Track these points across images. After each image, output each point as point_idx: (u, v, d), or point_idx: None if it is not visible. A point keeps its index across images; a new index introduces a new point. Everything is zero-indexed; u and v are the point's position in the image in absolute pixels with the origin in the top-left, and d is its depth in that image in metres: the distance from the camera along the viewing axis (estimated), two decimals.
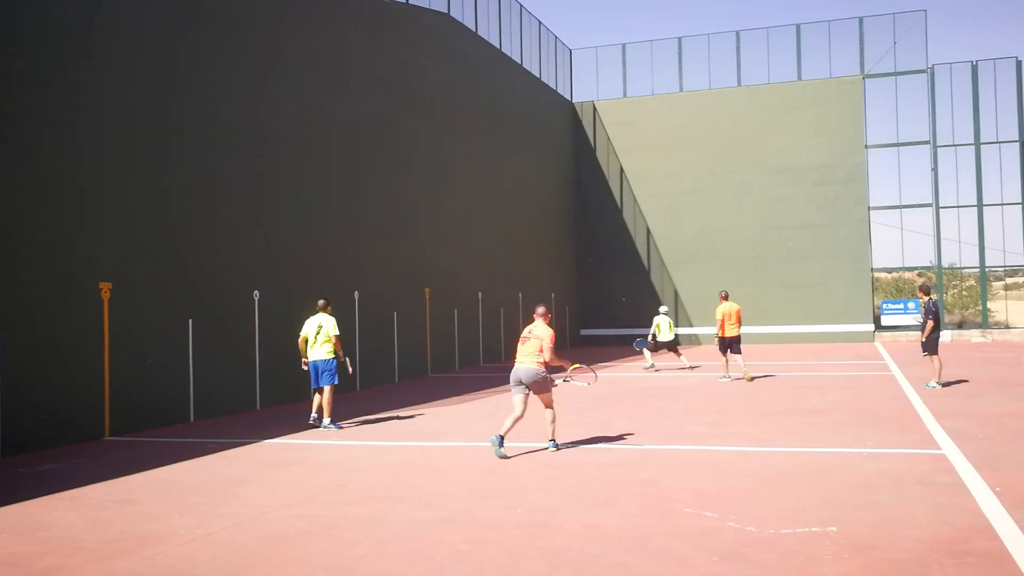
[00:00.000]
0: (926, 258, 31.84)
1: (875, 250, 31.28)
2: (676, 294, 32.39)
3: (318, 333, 12.43)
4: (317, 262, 16.93)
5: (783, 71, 32.40)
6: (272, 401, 15.34)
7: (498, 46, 27.02)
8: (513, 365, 10.29)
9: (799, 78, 32.07)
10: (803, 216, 31.18)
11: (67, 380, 11.44)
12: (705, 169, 32.26)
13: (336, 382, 12.41)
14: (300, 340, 12.63)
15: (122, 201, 12.53)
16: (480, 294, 24.08)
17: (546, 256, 30.12)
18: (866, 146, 31.09)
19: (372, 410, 14.20)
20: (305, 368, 12.56)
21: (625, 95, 33.98)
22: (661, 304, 23.36)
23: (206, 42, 14.48)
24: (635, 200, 33.16)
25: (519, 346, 10.27)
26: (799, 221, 31.20)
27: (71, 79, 11.82)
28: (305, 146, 16.89)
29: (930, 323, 15.64)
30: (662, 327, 21.51)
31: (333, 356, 12.41)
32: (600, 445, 10.44)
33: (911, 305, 31.13)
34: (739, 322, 18.10)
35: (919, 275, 38.77)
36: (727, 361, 18.26)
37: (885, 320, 31.28)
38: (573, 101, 34.28)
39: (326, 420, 12.31)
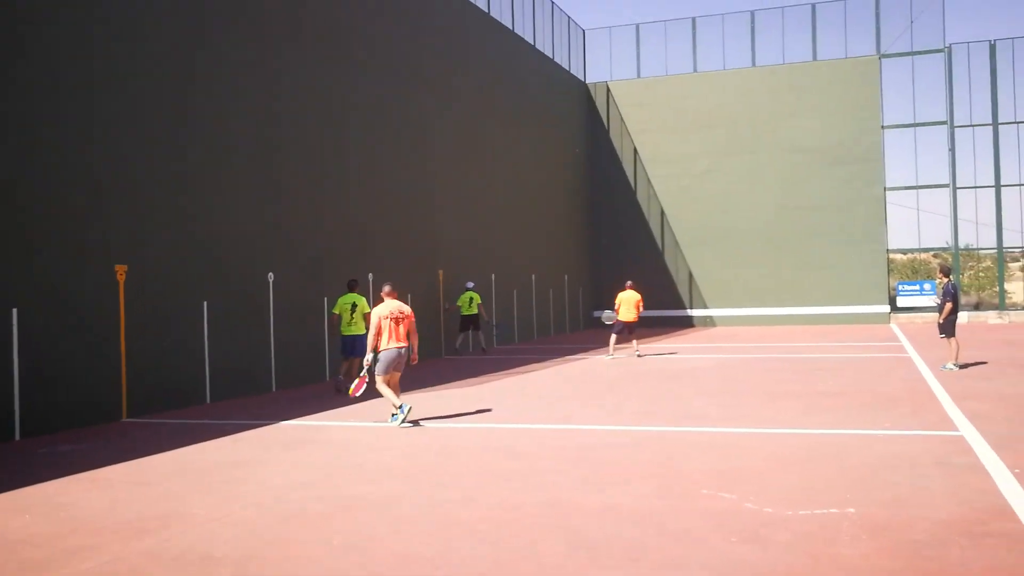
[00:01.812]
0: (943, 239, 31.62)
1: (891, 231, 31.09)
2: (691, 275, 32.30)
3: (353, 311, 13.88)
4: (331, 244, 16.94)
5: (798, 51, 32.14)
6: (288, 383, 15.40)
7: (511, 27, 26.88)
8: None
9: (814, 58, 31.81)
10: (818, 197, 30.98)
11: (84, 362, 11.51)
12: (719, 150, 32.08)
13: (362, 354, 13.57)
14: (333, 316, 14.21)
15: (135, 184, 12.56)
16: (493, 275, 24.07)
17: (559, 237, 30.05)
18: (882, 126, 30.84)
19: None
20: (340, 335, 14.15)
21: (639, 76, 33.78)
22: (469, 281, 23.22)
23: (218, 25, 14.45)
24: (649, 181, 33.02)
25: (393, 327, 10.70)
26: (814, 202, 31.00)
27: (82, 64, 11.82)
28: (318, 128, 16.87)
29: (948, 304, 15.55)
30: (465, 303, 21.64)
31: (365, 332, 13.54)
32: (614, 427, 10.44)
33: (927, 286, 30.96)
34: (638, 309, 19.71)
35: (935, 256, 38.56)
36: (614, 341, 19.70)
37: (901, 301, 31.13)
38: (587, 82, 34.11)
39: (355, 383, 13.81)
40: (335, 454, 9.18)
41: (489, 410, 12.07)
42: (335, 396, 13.66)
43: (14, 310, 10.55)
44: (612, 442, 9.41)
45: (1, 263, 10.47)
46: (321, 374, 16.43)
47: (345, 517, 6.56)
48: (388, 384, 10.77)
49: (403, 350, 10.73)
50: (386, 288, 11.04)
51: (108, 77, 12.16)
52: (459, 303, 21.51)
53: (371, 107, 18.71)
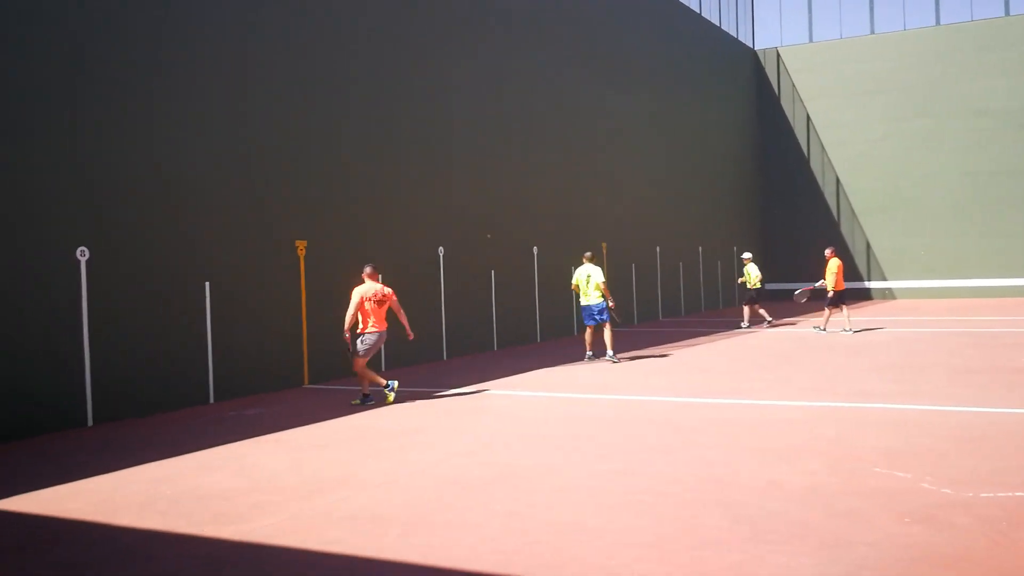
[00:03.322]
0: None
1: None
2: (868, 246, 30.88)
3: (588, 282, 14.33)
4: (496, 219, 17.22)
5: (987, 7, 29.94)
6: (457, 352, 15.85)
7: None
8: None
9: (1006, 13, 29.56)
10: (1007, 161, 28.85)
11: (270, 331, 12.23)
12: (898, 114, 30.40)
13: (607, 319, 14.29)
14: (573, 286, 14.82)
15: (314, 163, 13.18)
16: (658, 248, 23.83)
17: (727, 208, 29.37)
18: None
19: (550, 363, 14.41)
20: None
21: (811, 40, 32.42)
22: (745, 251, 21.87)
23: (386, 7, 14.90)
24: (823, 148, 31.72)
25: (376, 308, 10.64)
26: (1003, 167, 28.91)
27: (257, 50, 12.47)
28: (480, 106, 17.14)
29: None
30: (752, 275, 20.44)
31: (602, 300, 14.27)
32: (782, 402, 10.18)
33: None
34: None
35: None
36: (837, 313, 18.37)
37: None
38: (755, 48, 33.04)
39: (609, 352, 14.34)
40: (499, 422, 9.40)
41: (654, 383, 12.03)
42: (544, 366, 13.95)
43: (207, 283, 11.34)
44: (779, 417, 9.19)
45: (196, 240, 11.26)
46: (488, 344, 16.80)
47: (507, 485, 6.72)
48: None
49: (383, 333, 10.78)
50: (367, 269, 10.92)
51: (286, 62, 12.78)
52: (746, 278, 20.54)
53: (532, 84, 18.82)
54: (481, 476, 7.02)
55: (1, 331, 9.13)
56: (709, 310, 26.86)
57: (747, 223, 31.02)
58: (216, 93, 11.70)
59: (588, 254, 14.72)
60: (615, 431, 8.76)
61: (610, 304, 14.36)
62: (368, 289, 10.71)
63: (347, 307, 10.75)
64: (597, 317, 14.30)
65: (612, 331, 14.41)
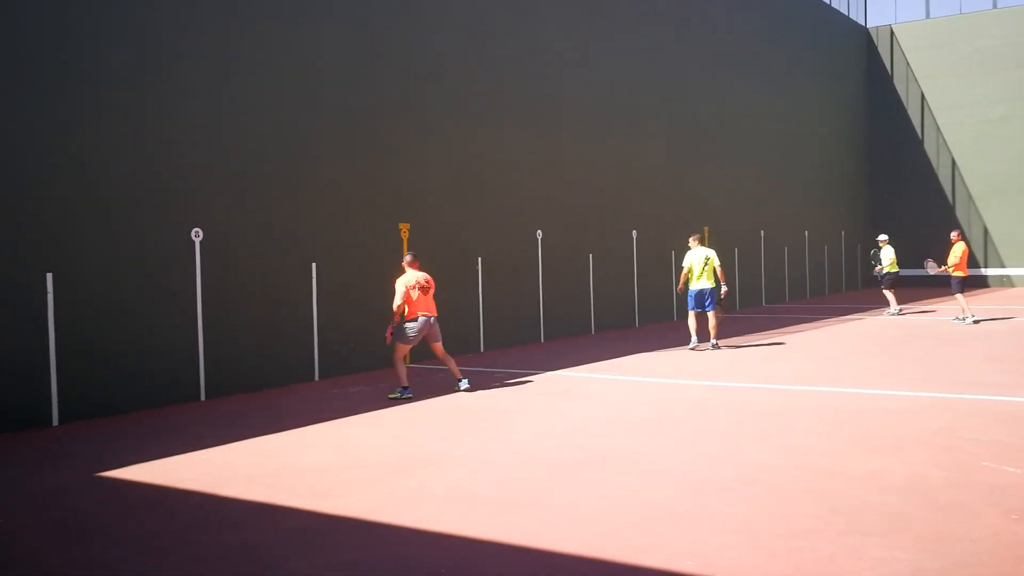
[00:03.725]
0: None
1: None
2: (985, 231, 29.58)
3: (705, 265, 13.87)
4: (596, 202, 17.16)
5: None
6: (554, 335, 15.91)
7: None
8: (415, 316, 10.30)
9: None
10: None
11: (371, 311, 12.50)
12: (1019, 93, 28.92)
13: (714, 306, 13.90)
14: (684, 271, 14.15)
15: (418, 146, 13.38)
16: (762, 232, 23.35)
17: (835, 192, 28.54)
18: None
19: (648, 348, 14.32)
20: (681, 292, 14.48)
21: (928, 16, 31.12)
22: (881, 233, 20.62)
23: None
24: (938, 129, 30.46)
25: (421, 296, 10.28)
26: None
27: (366, 35, 12.71)
28: (582, 89, 17.07)
29: None
30: (884, 258, 19.18)
31: (716, 284, 13.84)
32: (886, 391, 9.89)
33: None
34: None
35: None
36: (965, 297, 17.45)
37: None
38: (867, 26, 31.92)
39: (712, 340, 13.99)
40: (592, 406, 9.42)
41: (756, 370, 11.85)
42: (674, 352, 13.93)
43: (313, 264, 11.67)
44: (884, 407, 8.94)
45: (303, 222, 11.61)
46: (586, 327, 16.80)
47: (598, 467, 6.74)
48: (436, 354, 10.66)
49: (432, 319, 10.37)
50: (408, 257, 10.55)
51: (396, 50, 13.00)
52: (886, 263, 19.25)
53: (634, 66, 18.64)
54: (573, 458, 7.06)
55: (123, 308, 9.59)
56: (815, 296, 26.22)
57: (856, 207, 30.11)
58: (324, 78, 11.99)
59: (697, 236, 14.20)
60: (712, 417, 8.67)
61: (724, 289, 13.93)
62: (411, 278, 10.38)
63: (402, 295, 10.32)
64: (707, 304, 13.87)
65: (717, 318, 14.01)
